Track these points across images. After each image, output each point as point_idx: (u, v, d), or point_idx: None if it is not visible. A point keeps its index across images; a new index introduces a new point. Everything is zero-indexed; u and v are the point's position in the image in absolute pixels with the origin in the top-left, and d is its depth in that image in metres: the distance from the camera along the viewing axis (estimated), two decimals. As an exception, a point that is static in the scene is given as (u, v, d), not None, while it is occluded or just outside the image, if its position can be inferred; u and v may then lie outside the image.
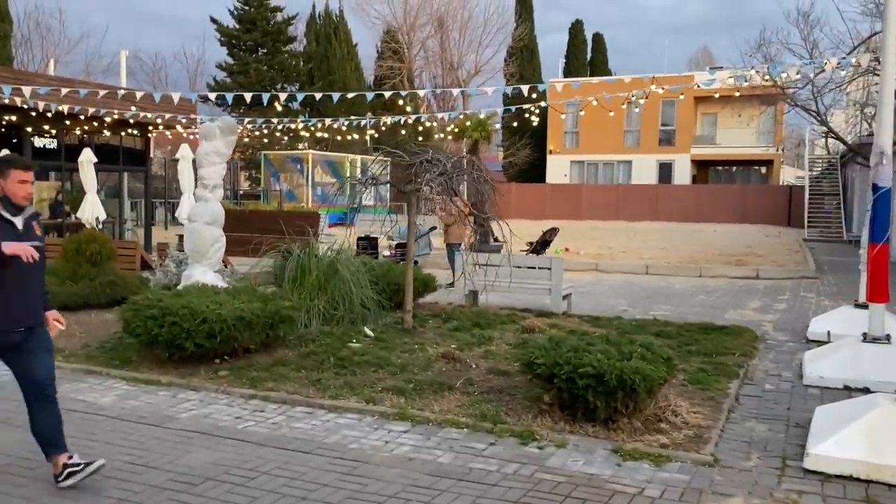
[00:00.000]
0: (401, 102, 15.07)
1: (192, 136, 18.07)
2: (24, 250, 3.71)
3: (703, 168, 40.00)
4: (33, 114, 14.08)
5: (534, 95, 11.04)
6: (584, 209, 34.93)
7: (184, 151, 12.11)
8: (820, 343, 7.68)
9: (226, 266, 11.31)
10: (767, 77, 11.77)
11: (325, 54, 36.35)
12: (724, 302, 11.21)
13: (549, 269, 9.61)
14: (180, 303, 6.40)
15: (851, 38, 17.12)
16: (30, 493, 4.02)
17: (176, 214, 12.45)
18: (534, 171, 39.50)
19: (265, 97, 11.42)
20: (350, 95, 12.01)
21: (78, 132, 17.01)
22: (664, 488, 4.06)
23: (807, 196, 27.38)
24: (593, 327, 8.46)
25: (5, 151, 13.99)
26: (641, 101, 11.67)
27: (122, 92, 11.84)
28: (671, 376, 5.07)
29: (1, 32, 22.49)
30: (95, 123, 15.32)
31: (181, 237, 15.45)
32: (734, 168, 41.27)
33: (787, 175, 42.95)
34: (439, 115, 12.40)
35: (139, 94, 11.91)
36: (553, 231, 14.95)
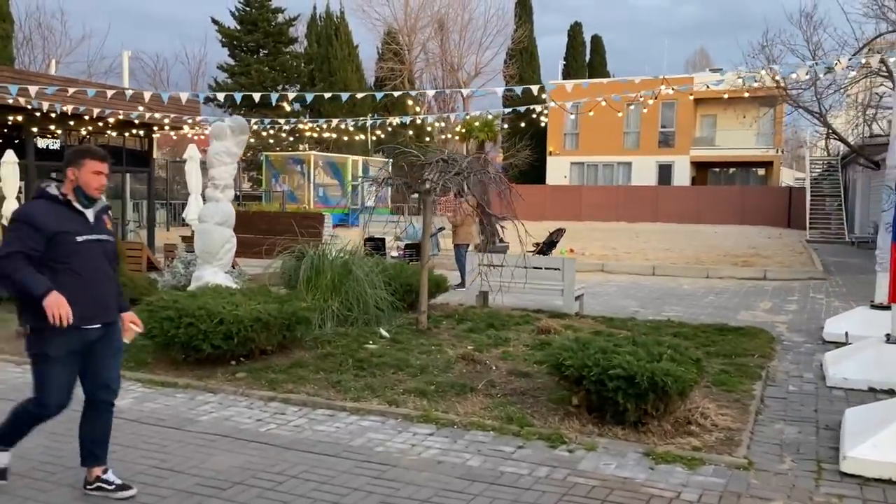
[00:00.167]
0: (410, 103, 14.98)
1: (198, 137, 17.98)
2: (56, 308, 3.46)
3: (702, 170, 40.04)
4: (37, 114, 13.99)
5: (544, 95, 10.97)
6: (584, 210, 34.92)
7: (191, 152, 12.04)
8: (837, 344, 7.63)
9: (233, 267, 11.23)
10: (779, 78, 11.73)
11: (326, 55, 36.30)
12: (735, 303, 11.17)
13: (562, 269, 9.55)
14: (196, 304, 6.33)
15: (856, 39, 17.12)
16: (54, 498, 3.94)
17: (183, 215, 12.36)
18: (533, 173, 39.48)
19: (273, 97, 11.34)
20: (360, 96, 11.94)
21: (84, 132, 16.91)
22: (701, 492, 4.00)
23: (808, 197, 27.39)
24: (608, 328, 8.42)
25: (9, 152, 13.90)
26: (650, 102, 11.61)
27: (131, 92, 11.74)
28: (701, 378, 5.01)
29: (2, 33, 22.37)
30: (101, 124, 15.22)
31: (184, 238, 15.38)
32: (731, 170, 41.27)
33: (785, 177, 43.02)
34: (447, 116, 12.29)
35: (147, 95, 11.82)
36: (559, 232, 14.90)
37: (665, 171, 37.99)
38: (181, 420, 5.21)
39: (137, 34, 63.86)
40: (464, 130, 14.83)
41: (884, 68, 14.96)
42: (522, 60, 43.54)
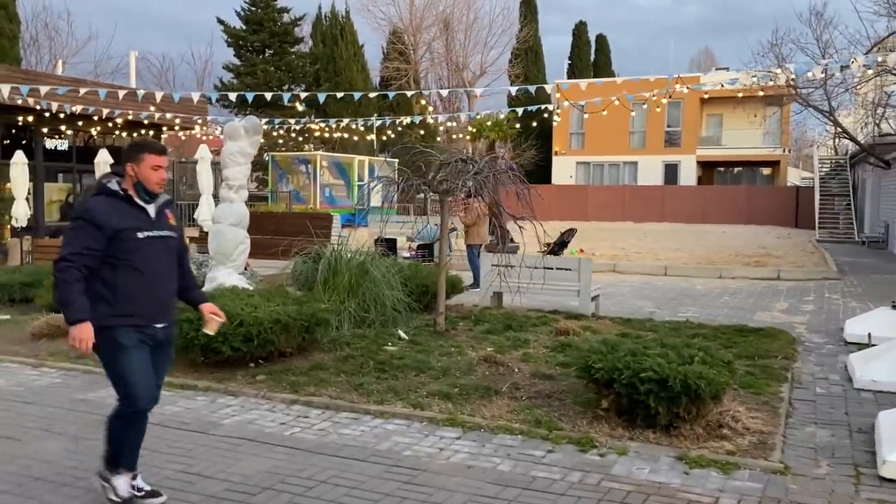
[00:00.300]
0: (423, 102, 14.90)
1: (207, 137, 17.93)
2: (79, 341, 3.43)
3: (708, 169, 39.92)
4: (47, 115, 13.95)
5: (557, 95, 10.90)
6: (590, 210, 34.82)
7: (203, 152, 11.98)
8: (859, 345, 7.55)
9: (245, 269, 11.17)
10: (793, 76, 11.66)
11: (331, 55, 36.24)
12: (750, 303, 11.08)
13: (578, 270, 9.48)
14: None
15: (868, 37, 17.01)
16: (88, 502, 3.88)
17: (195, 216, 12.29)
18: (539, 173, 39.38)
19: (286, 97, 11.28)
20: (372, 96, 11.88)
21: (94, 132, 16.87)
22: (739, 497, 3.93)
23: (818, 197, 27.25)
24: (628, 330, 8.35)
25: (18, 153, 13.86)
26: (665, 101, 11.54)
27: (142, 93, 11.69)
28: (733, 381, 4.94)
29: (9, 33, 22.35)
30: (110, 124, 15.18)
31: (192, 238, 15.33)
32: (736, 169, 41.12)
33: (791, 176, 42.88)
34: (459, 116, 12.23)
35: (158, 95, 11.77)
36: (570, 232, 14.82)
37: (671, 171, 37.88)
38: (204, 424, 5.15)
39: (143, 35, 63.97)
40: (474, 130, 14.78)
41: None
42: (528, 60, 43.47)
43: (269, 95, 11.16)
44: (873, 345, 7.27)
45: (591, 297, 9.54)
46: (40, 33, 34.28)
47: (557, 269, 9.51)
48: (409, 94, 11.62)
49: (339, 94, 11.53)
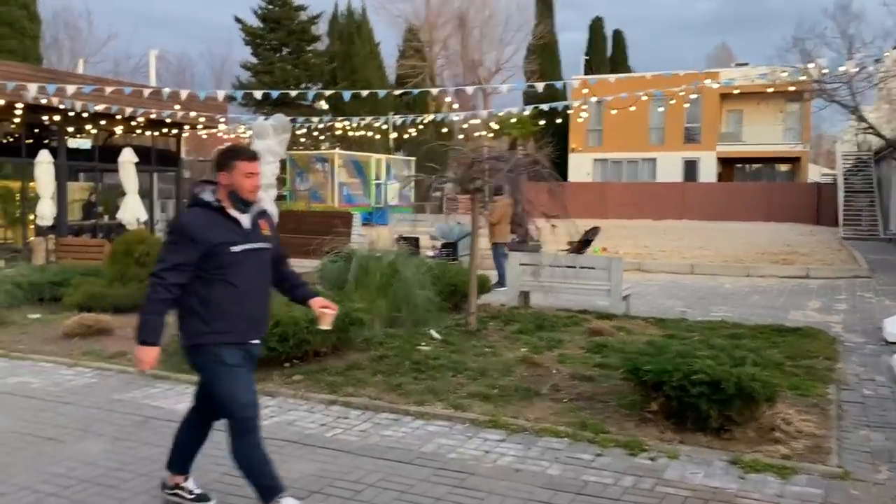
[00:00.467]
0: (448, 100, 14.80)
1: (228, 136, 17.94)
2: (141, 363, 3.38)
3: (728, 166, 39.54)
4: (71, 114, 13.99)
5: (585, 90, 10.76)
6: (609, 208, 34.56)
7: (227, 151, 11.93)
8: (901, 345, 7.40)
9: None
10: (825, 70, 11.48)
11: (347, 53, 36.23)
12: (782, 302, 10.92)
13: (608, 269, 9.36)
14: (250, 305, 6.21)
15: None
16: (130, 506, 3.83)
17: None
18: (555, 170, 39.15)
19: (310, 94, 11.23)
20: (396, 93, 11.80)
21: (117, 131, 16.91)
22: (800, 503, 3.82)
23: (842, 194, 26.90)
24: (660, 329, 8.23)
25: (43, 152, 13.91)
26: (693, 96, 11.39)
27: (168, 91, 11.69)
28: (785, 382, 4.82)
29: (31, 33, 22.49)
30: (133, 123, 15.21)
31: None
32: (754, 165, 40.71)
33: (811, 173, 42.41)
34: (483, 113, 12.13)
35: (184, 94, 11.76)
36: (594, 230, 14.68)
37: (691, 168, 37.57)
38: (244, 425, 5.08)
39: (161, 34, 64.36)
40: (498, 127, 14.66)
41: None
42: (544, 56, 43.27)
43: (294, 93, 11.09)
44: (917, 345, 7.11)
45: (622, 297, 9.42)
46: (61, 33, 34.57)
47: (588, 268, 9.39)
48: (434, 91, 11.54)
49: (364, 93, 11.47)
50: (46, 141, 16.38)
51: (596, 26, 47.45)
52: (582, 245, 14.35)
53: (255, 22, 35.10)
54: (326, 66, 35.85)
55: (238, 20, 34.99)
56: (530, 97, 38.26)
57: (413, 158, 34.14)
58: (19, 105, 13.18)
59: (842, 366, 6.73)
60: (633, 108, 12.77)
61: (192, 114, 14.59)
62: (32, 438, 4.80)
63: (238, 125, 17.55)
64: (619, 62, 47.60)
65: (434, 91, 10.62)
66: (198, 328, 3.40)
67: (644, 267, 14.87)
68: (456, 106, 15.85)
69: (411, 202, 31.61)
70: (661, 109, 14.07)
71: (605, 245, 18.27)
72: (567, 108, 12.92)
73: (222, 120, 15.32)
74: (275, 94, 11.99)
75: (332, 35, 38.00)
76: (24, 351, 7.24)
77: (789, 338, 7.67)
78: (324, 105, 12.70)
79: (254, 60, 35.25)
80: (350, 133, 22.07)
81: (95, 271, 10.22)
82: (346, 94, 11.07)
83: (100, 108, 12.97)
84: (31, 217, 15.57)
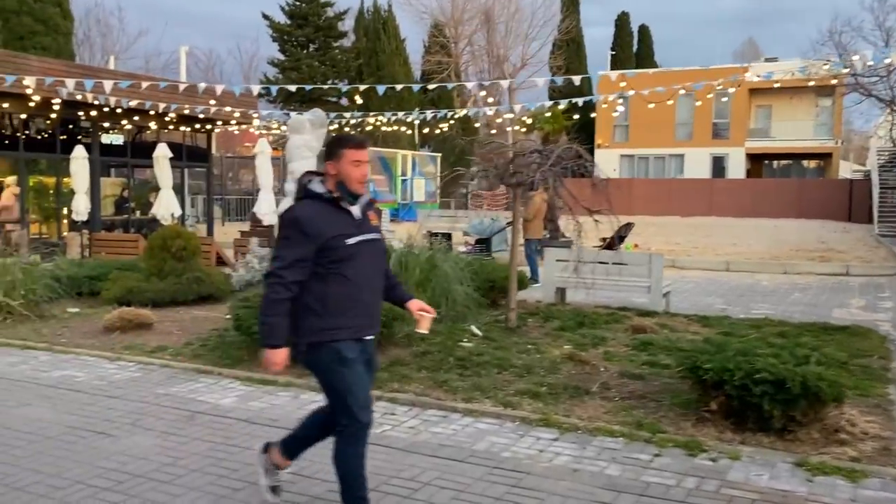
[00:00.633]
0: (483, 93, 14.66)
1: (259, 133, 17.99)
2: (271, 365, 3.26)
3: (756, 162, 38.96)
4: (105, 109, 14.08)
5: (623, 83, 10.62)
6: (635, 204, 34.17)
7: (262, 146, 11.97)
8: (956, 345, 7.17)
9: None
10: (871, 63, 11.20)
11: (373, 49, 36.19)
12: (824, 300, 10.68)
13: (649, 265, 9.20)
14: (293, 300, 6.17)
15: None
16: (187, 502, 3.79)
17: (254, 210, 12.31)
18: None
19: (343, 89, 11.16)
20: (431, 87, 11.73)
21: (151, 127, 17.02)
22: (874, 508, 3.68)
23: (877, 190, 26.35)
24: (704, 327, 8.08)
25: (79, 148, 14.02)
26: (730, 90, 11.16)
27: (203, 86, 11.72)
28: (851, 382, 4.67)
29: (64, 30, 22.74)
30: (167, 118, 15.29)
31: (243, 233, 15.38)
32: (782, 162, 40.03)
33: (842, 169, 41.63)
34: (516, 108, 12.02)
35: (219, 89, 11.77)
36: (628, 226, 14.53)
37: (719, 164, 37.07)
38: (293, 421, 5.00)
39: (191, 31, 64.96)
40: (531, 121, 14.52)
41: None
42: (569, 51, 42.97)
43: (325, 87, 11.03)
44: (974, 345, 6.89)
45: (663, 294, 9.26)
46: (92, 29, 34.94)
47: (629, 265, 9.25)
48: (468, 85, 11.45)
49: (399, 87, 11.43)
50: (80, 137, 16.53)
51: (622, 21, 47.03)
52: (615, 241, 14.21)
53: (282, 18, 35.20)
54: (353, 62, 35.85)
55: (266, 17, 35.13)
56: (556, 92, 38.03)
57: (439, 154, 34.08)
58: (56, 101, 13.29)
59: (896, 365, 6.54)
60: (670, 102, 12.53)
61: (227, 109, 14.60)
62: (83, 432, 4.79)
63: (272, 121, 17.57)
64: (644, 57, 47.13)
65: (469, 85, 10.52)
66: (314, 326, 3.24)
67: (678, 264, 14.64)
68: (491, 100, 15.69)
69: (436, 198, 31.56)
70: (698, 103, 13.83)
71: (636, 242, 18.07)
72: (602, 102, 12.71)
73: (256, 116, 15.32)
74: (308, 88, 11.94)
75: (358, 31, 38.00)
76: (66, 345, 7.27)
77: (838, 336, 7.47)
78: (357, 100, 12.56)
79: (281, 57, 35.34)
80: (376, 129, 22.09)
81: (131, 266, 10.27)
82: (381, 89, 10.99)
83: (133, 103, 13.02)
84: (65, 212, 15.74)
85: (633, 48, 47.26)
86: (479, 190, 36.46)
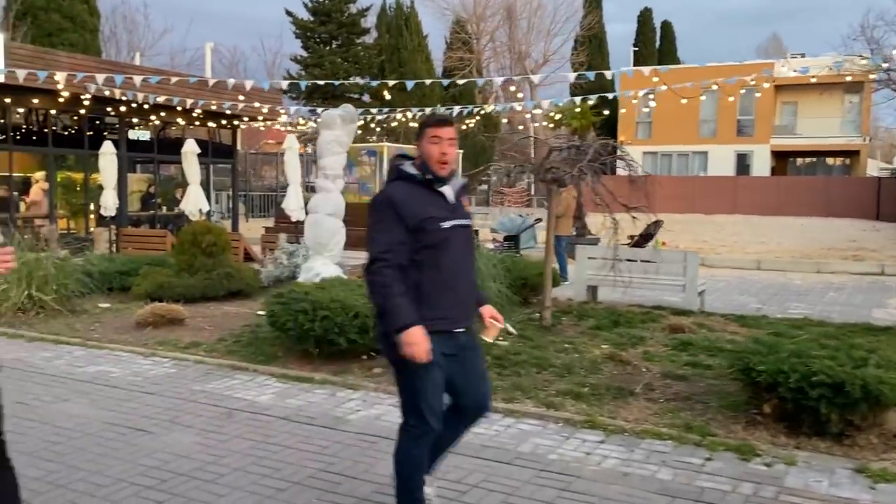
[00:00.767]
0: (513, 89, 14.55)
1: (285, 130, 17.99)
2: (414, 348, 2.94)
3: (781, 159, 38.42)
4: (133, 105, 14.13)
5: (655, 78, 10.45)
6: (658, 201, 33.71)
7: (290, 142, 11.94)
8: None
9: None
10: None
11: (396, 46, 36.14)
12: (861, 300, 10.45)
13: (684, 264, 9.04)
14: (329, 296, 6.11)
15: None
16: (229, 502, 3.73)
17: (282, 206, 12.28)
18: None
19: (374, 83, 11.11)
20: (461, 82, 11.63)
21: (179, 122, 17.07)
22: (944, 518, 3.53)
23: (907, 188, 25.85)
24: (742, 327, 7.91)
25: (107, 143, 14.08)
26: (765, 85, 10.94)
27: (233, 82, 11.70)
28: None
29: (91, 27, 22.91)
30: (194, 114, 15.31)
31: (268, 229, 15.38)
32: (807, 160, 39.43)
33: (868, 167, 40.94)
34: (544, 103, 11.88)
35: (248, 84, 11.75)
36: (657, 224, 14.26)
37: (743, 161, 36.61)
38: (331, 419, 4.97)
39: (215, 28, 65.35)
40: (559, 117, 14.37)
41: None
42: (592, 47, 42.64)
43: (348, 82, 10.97)
44: None
45: (698, 293, 9.09)
46: (118, 26, 35.22)
47: (663, 263, 9.09)
48: (498, 80, 11.32)
49: (428, 81, 11.34)
50: (106, 133, 16.61)
51: (644, 17, 46.55)
52: (644, 239, 14.01)
53: (305, 15, 35.23)
54: (375, 59, 35.82)
55: (289, 13, 35.19)
56: (578, 89, 37.77)
57: (461, 151, 33.95)
58: (85, 97, 13.35)
59: (947, 368, 6.33)
60: (703, 98, 12.32)
61: (256, 104, 14.60)
62: (122, 429, 4.75)
63: (298, 117, 17.57)
64: (667, 53, 46.61)
65: (497, 80, 10.39)
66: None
67: (707, 262, 14.42)
68: (521, 95, 15.55)
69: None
70: (731, 98, 13.59)
71: (664, 240, 17.84)
72: (633, 98, 12.54)
73: (283, 112, 15.31)
74: (336, 83, 11.88)
75: (381, 28, 37.97)
76: (99, 340, 7.27)
77: (881, 337, 7.25)
78: (385, 95, 12.49)
79: (304, 54, 35.38)
80: (401, 126, 22.02)
81: (161, 261, 10.27)
82: (409, 84, 10.90)
83: (161, 99, 13.05)
84: (93, 207, 15.84)
85: (655, 44, 46.75)
86: (500, 186, 36.32)
